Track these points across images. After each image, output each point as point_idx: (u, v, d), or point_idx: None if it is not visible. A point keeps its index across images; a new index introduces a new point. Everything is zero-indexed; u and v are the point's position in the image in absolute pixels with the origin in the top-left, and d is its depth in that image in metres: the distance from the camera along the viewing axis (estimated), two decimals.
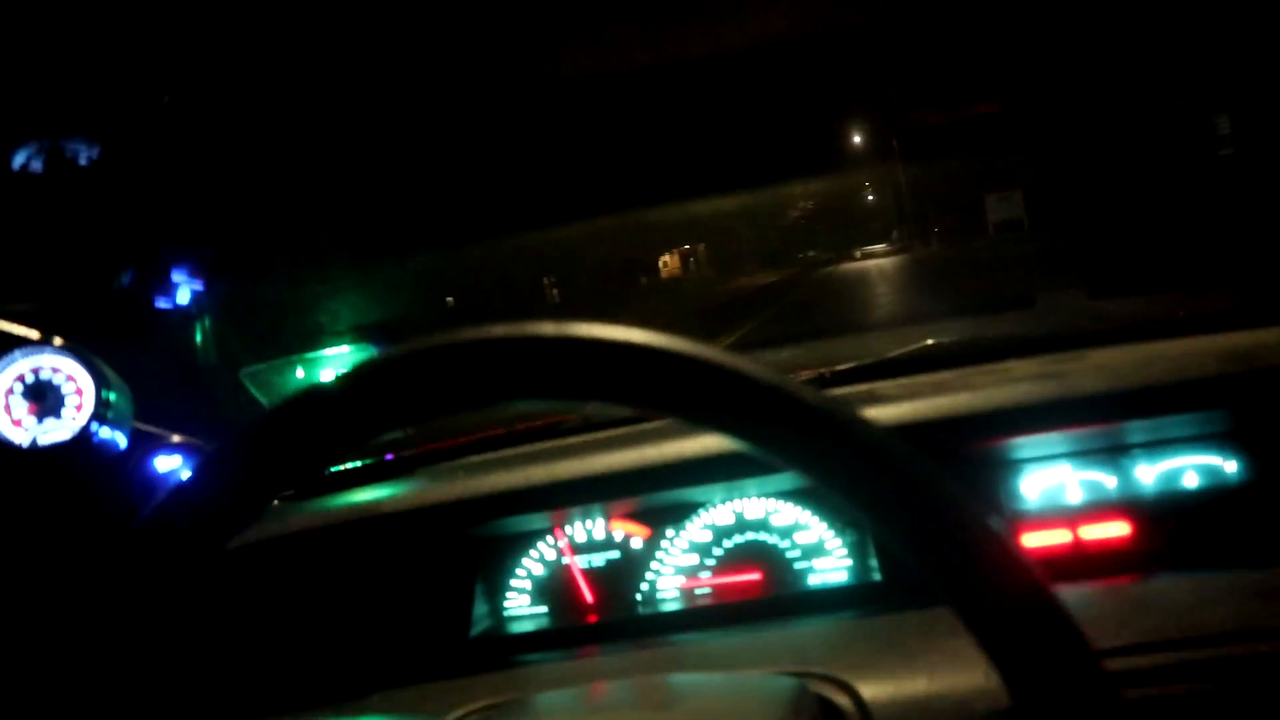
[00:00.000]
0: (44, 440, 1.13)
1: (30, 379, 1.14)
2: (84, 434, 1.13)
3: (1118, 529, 1.14)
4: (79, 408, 1.14)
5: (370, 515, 1.28)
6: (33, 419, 1.14)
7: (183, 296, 1.39)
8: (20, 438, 1.13)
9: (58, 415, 1.14)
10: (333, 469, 1.37)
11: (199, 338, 1.44)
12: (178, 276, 1.39)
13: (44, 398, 1.14)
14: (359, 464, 1.42)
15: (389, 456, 1.44)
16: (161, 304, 1.36)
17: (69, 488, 1.17)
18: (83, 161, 1.28)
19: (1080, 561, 1.14)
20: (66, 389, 1.15)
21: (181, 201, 1.49)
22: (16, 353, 1.13)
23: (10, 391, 1.13)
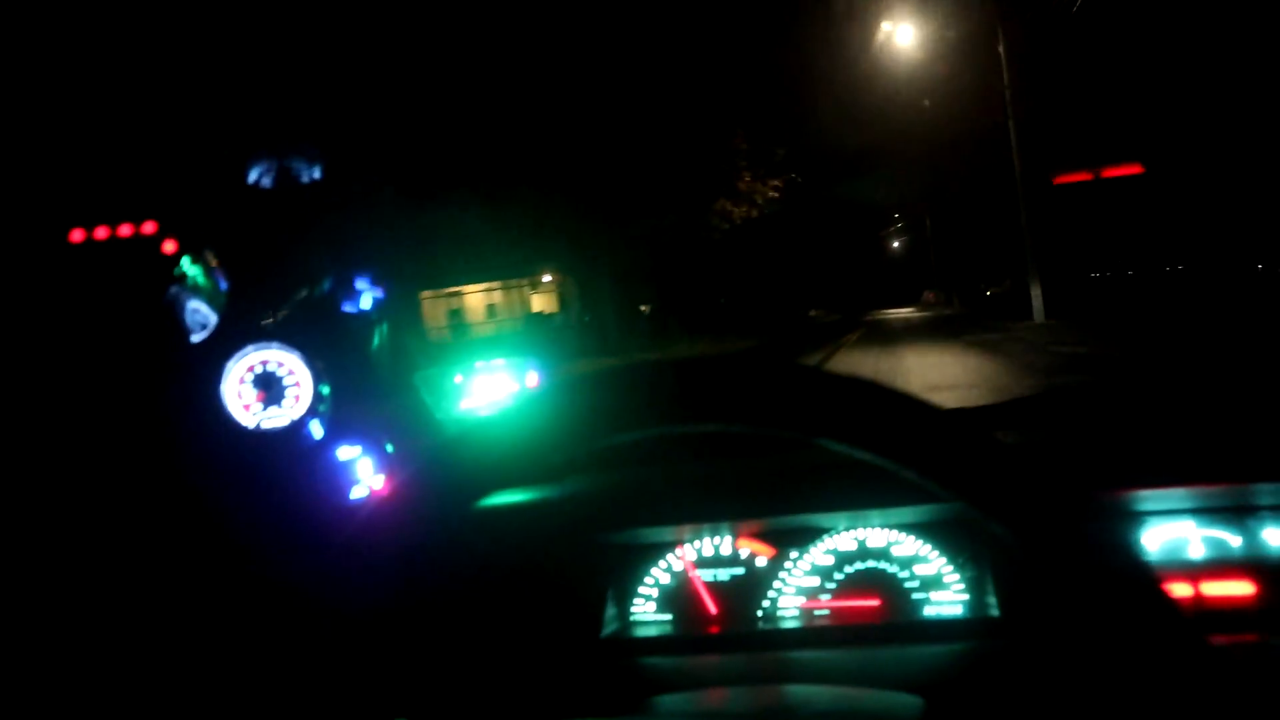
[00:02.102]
0: (266, 424, 1.31)
1: (260, 370, 1.32)
2: (299, 423, 1.30)
3: (1242, 588, 1.17)
4: (297, 399, 1.31)
5: (515, 518, 1.36)
6: (259, 405, 1.32)
7: (365, 302, 1.55)
8: (248, 421, 1.32)
9: (279, 404, 1.32)
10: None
11: (376, 341, 1.59)
12: (360, 284, 1.55)
13: (270, 388, 1.31)
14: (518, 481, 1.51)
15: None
16: (348, 308, 1.52)
17: (279, 468, 1.33)
18: (304, 180, 1.46)
19: (1203, 616, 1.16)
20: (288, 381, 1.32)
21: (366, 218, 1.66)
22: (249, 346, 1.31)
23: (243, 380, 1.32)
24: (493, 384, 1.58)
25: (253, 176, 1.43)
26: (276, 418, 1.32)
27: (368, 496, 1.36)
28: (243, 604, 1.22)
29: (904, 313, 60.53)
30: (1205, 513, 1.20)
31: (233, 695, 1.07)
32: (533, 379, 1.63)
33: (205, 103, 1.49)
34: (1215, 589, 1.17)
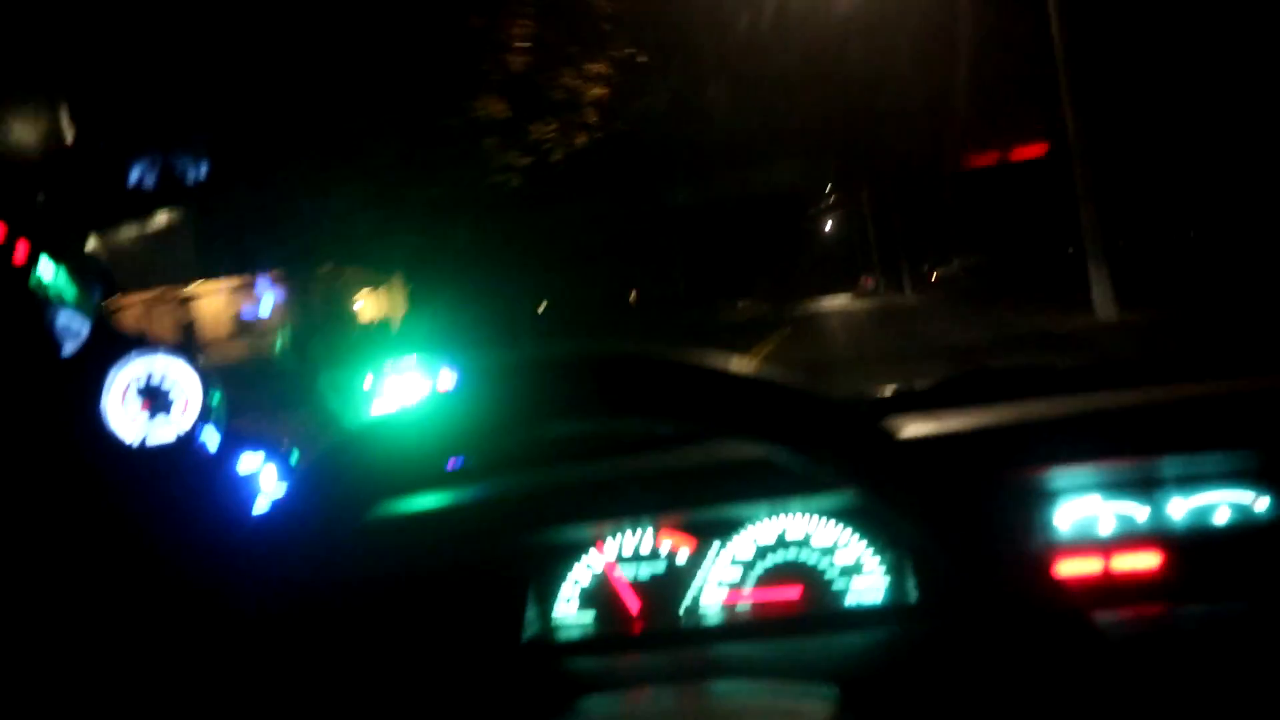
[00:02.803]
0: (153, 439, 1.24)
1: (144, 380, 1.25)
2: (189, 434, 1.24)
3: (1148, 560, 1.20)
4: (185, 408, 1.25)
5: (428, 521, 1.33)
6: (144, 417, 1.25)
7: (265, 308, 1.49)
8: (132, 435, 1.24)
9: (166, 415, 1.25)
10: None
11: (279, 345, 1.53)
12: (260, 286, 1.49)
13: (155, 398, 1.24)
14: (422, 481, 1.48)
15: (452, 463, 1.51)
16: (245, 314, 1.46)
17: (170, 483, 1.27)
18: (189, 179, 1.39)
19: (1110, 590, 1.18)
20: (175, 391, 1.25)
21: (267, 220, 1.60)
22: (133, 354, 1.24)
23: (125, 392, 1.24)
24: (404, 384, 1.53)
25: (133, 177, 1.36)
26: (164, 430, 1.25)
27: (269, 506, 1.30)
28: (138, 614, 1.16)
29: (841, 303, 50.27)
30: (1113, 488, 1.22)
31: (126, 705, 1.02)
32: (446, 377, 1.58)
33: (73, 99, 1.40)
34: (1124, 562, 1.19)
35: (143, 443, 1.24)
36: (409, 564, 1.33)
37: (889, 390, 1.50)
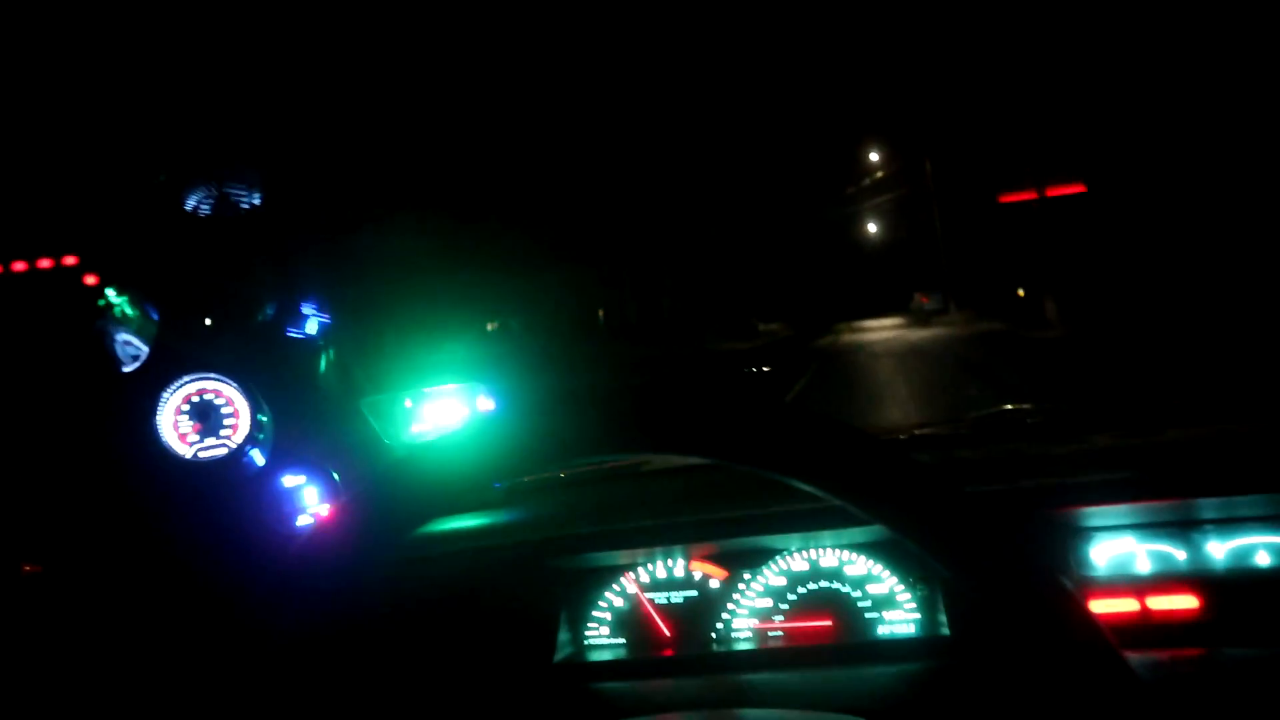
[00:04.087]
0: (203, 455, 1.28)
1: (196, 400, 1.29)
2: (238, 452, 1.27)
3: (1186, 601, 1.18)
4: (235, 429, 1.29)
5: (464, 543, 1.35)
6: (196, 436, 1.29)
7: (311, 327, 1.52)
8: (184, 451, 1.28)
9: (217, 435, 1.29)
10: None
11: (323, 367, 1.57)
12: (307, 309, 1.53)
13: (207, 418, 1.28)
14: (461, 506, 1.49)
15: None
16: (292, 333, 1.50)
17: (218, 496, 1.31)
18: (243, 206, 1.44)
19: (1148, 630, 1.17)
20: (225, 410, 1.29)
21: (314, 240, 1.64)
22: (185, 376, 1.28)
23: (179, 410, 1.29)
24: (443, 409, 1.56)
25: (190, 203, 1.41)
26: (215, 447, 1.29)
27: (312, 523, 1.33)
28: (186, 628, 1.19)
29: (887, 330, 34.52)
30: (1150, 528, 1.21)
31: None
32: (483, 403, 1.62)
33: (134, 131, 1.46)
34: (1160, 603, 1.18)
35: (195, 457, 1.28)
36: (444, 587, 1.34)
37: (923, 427, 1.50)
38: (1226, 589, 1.17)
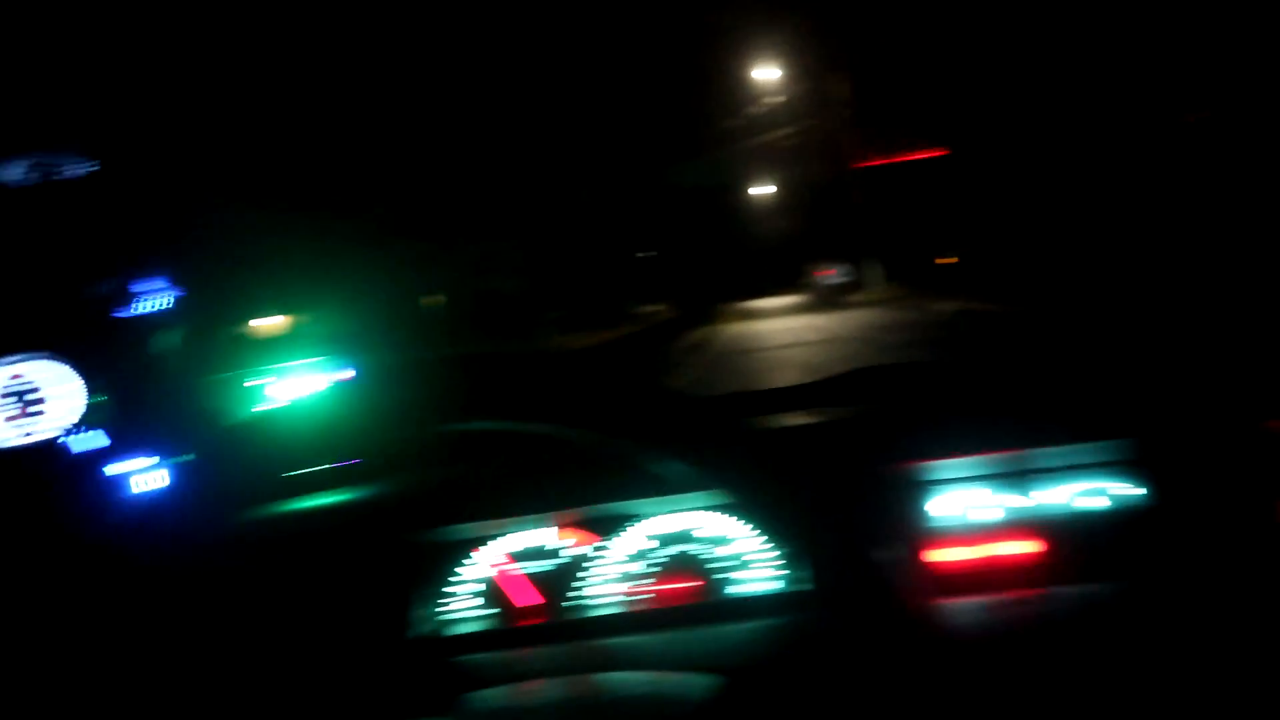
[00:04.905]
0: (27, 440, 1.20)
1: (18, 383, 1.20)
2: (65, 435, 1.20)
3: (1025, 547, 1.24)
4: (62, 412, 1.21)
5: (314, 521, 1.32)
6: (18, 420, 1.20)
7: (147, 306, 1.45)
8: (6, 435, 1.20)
9: (40, 417, 1.21)
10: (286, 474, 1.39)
11: (158, 348, 1.50)
12: (142, 288, 1.46)
13: (31, 401, 1.20)
14: (309, 470, 1.46)
15: (345, 463, 1.48)
16: (124, 313, 1.42)
17: (44, 484, 1.22)
18: (69, 176, 1.35)
19: (990, 575, 1.22)
20: (51, 394, 1.21)
21: (146, 221, 1.56)
22: (6, 358, 1.19)
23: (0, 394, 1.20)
24: (292, 386, 1.51)
25: (12, 174, 1.31)
26: (38, 432, 1.20)
27: (145, 501, 1.27)
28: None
29: (781, 317, 22.82)
30: (992, 479, 1.26)
31: None
32: (333, 378, 1.56)
33: None
34: (1003, 549, 1.23)
35: (17, 442, 1.20)
36: (294, 562, 1.30)
37: (771, 388, 1.53)
38: (1066, 533, 1.23)
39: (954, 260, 25.56)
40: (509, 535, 1.35)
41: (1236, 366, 1.33)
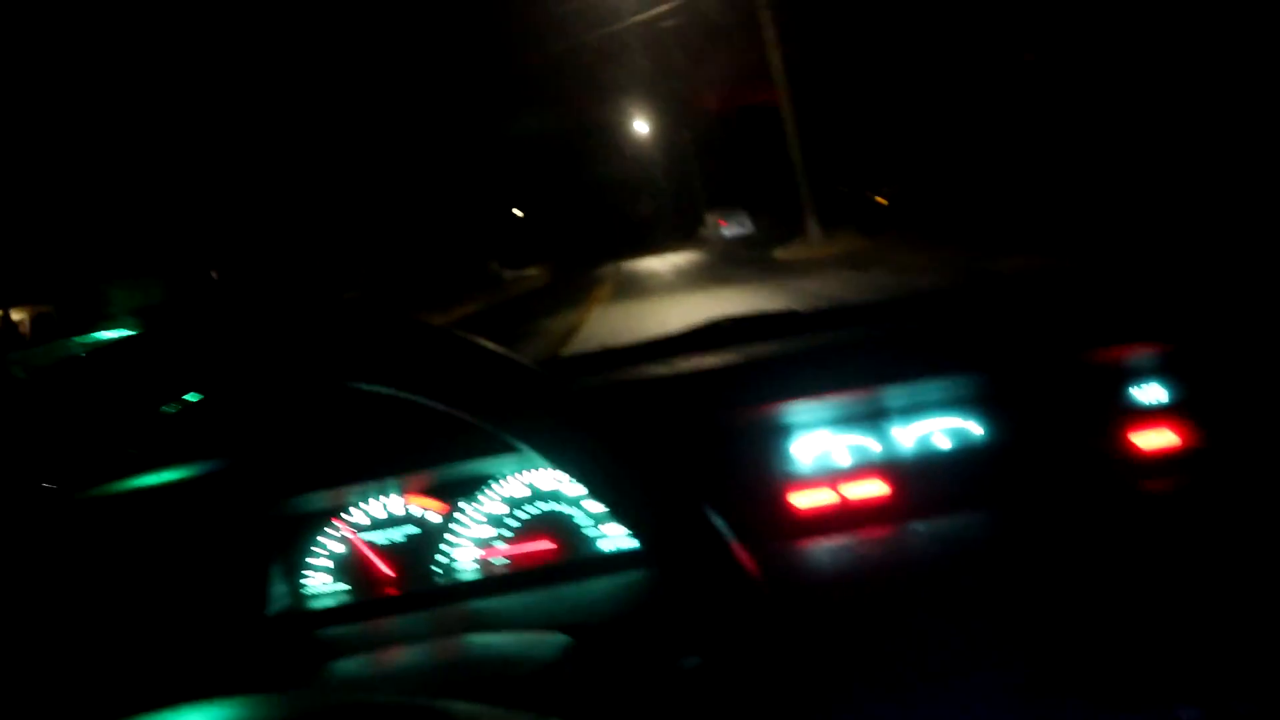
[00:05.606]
0: None
1: None
2: None
3: (877, 487, 1.26)
4: None
5: (162, 495, 1.27)
6: None
7: None
8: None
9: None
10: (129, 450, 1.32)
11: None
12: None
13: None
14: (155, 446, 1.37)
15: (188, 439, 1.40)
16: None
17: None
18: None
19: (845, 516, 1.24)
20: None
21: None
22: None
23: None
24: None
25: None
26: None
27: None
28: None
29: (686, 294, 14.87)
30: (844, 421, 1.27)
31: None
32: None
33: None
34: (857, 490, 1.25)
35: None
36: (137, 542, 1.26)
37: (627, 342, 1.51)
38: (913, 471, 1.25)
39: (882, 200, 22.45)
40: (363, 504, 1.32)
41: (1063, 299, 1.37)
